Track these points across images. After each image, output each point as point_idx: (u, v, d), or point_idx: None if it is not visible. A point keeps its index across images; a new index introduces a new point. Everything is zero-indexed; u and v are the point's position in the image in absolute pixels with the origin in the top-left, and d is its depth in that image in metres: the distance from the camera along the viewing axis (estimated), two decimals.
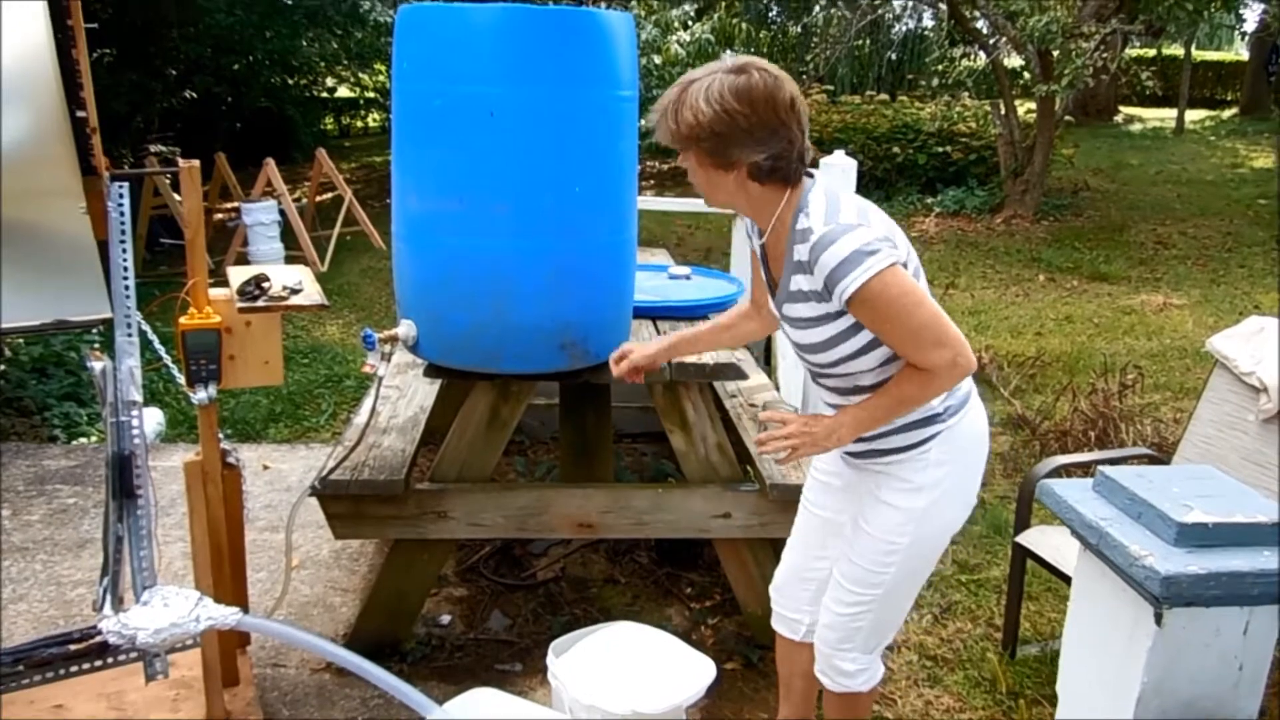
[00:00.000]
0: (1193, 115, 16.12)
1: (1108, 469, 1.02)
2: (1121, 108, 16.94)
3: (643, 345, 2.19)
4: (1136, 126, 15.98)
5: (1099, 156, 12.78)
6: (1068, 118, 11.26)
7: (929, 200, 10.66)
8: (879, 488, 1.87)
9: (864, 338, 1.74)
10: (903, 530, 1.84)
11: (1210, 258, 8.60)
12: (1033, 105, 10.47)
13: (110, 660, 2.33)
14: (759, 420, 1.99)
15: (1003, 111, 10.16)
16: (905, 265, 1.71)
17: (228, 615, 1.76)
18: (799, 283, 1.74)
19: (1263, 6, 14.85)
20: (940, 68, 15.05)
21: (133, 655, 2.33)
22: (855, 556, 1.90)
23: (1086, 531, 0.99)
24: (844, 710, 2.11)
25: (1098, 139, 13.97)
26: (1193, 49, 17.41)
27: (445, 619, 2.95)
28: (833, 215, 1.68)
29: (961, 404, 1.84)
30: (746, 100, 1.63)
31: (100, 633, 1.75)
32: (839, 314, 1.72)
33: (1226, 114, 17.10)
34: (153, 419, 4.32)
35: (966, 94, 12.31)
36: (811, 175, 1.76)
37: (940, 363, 1.67)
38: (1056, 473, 2.68)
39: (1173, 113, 15.79)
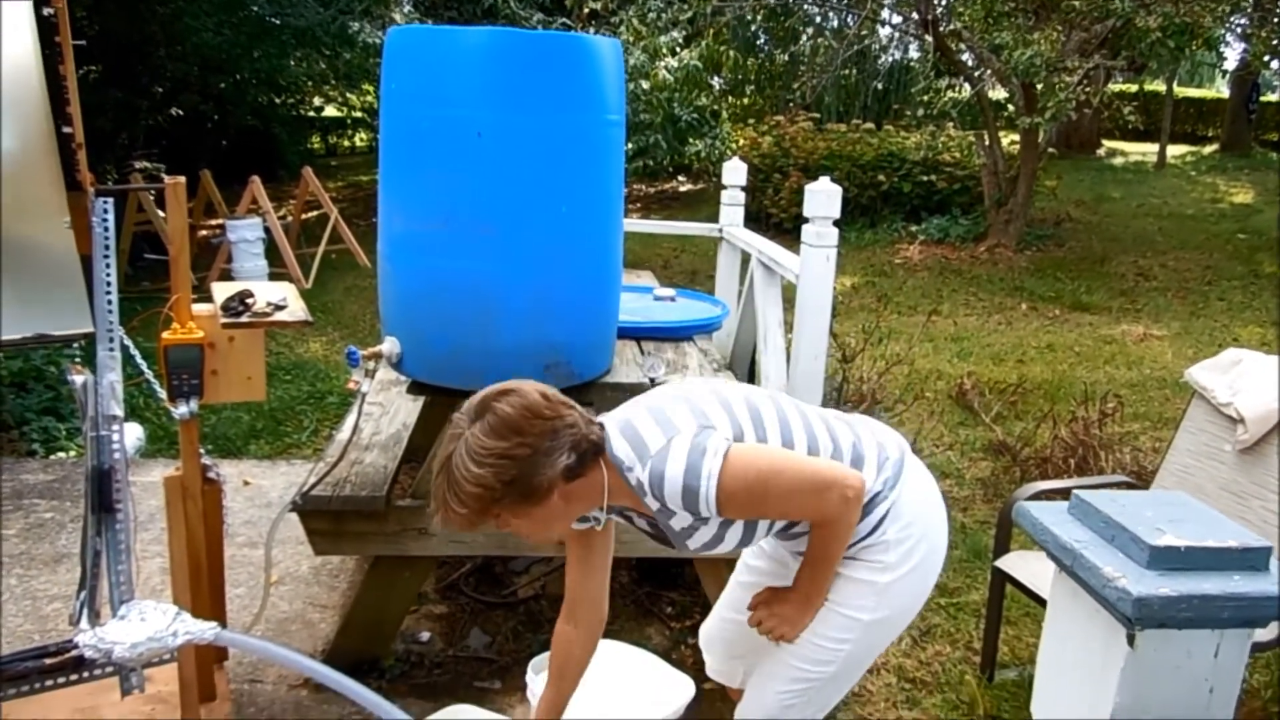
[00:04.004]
0: (1174, 150, 16.34)
1: (1083, 493, 1.04)
2: (1104, 141, 17.16)
3: None
4: (1119, 160, 16.18)
5: (1081, 189, 12.93)
6: (1051, 150, 11.40)
7: (913, 228, 10.75)
8: (844, 568, 1.76)
9: None
10: (869, 605, 1.74)
11: (1190, 290, 8.70)
12: (1017, 137, 10.60)
13: (86, 675, 2.32)
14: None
15: (987, 142, 10.28)
16: (740, 432, 1.64)
17: (205, 630, 1.75)
18: (677, 523, 1.66)
19: (1243, 45, 15.12)
20: (926, 98, 15.20)
21: (109, 670, 2.32)
22: (812, 632, 1.78)
23: (1061, 553, 1.00)
24: None
25: (1080, 171, 14.14)
26: (1174, 85, 17.67)
27: (425, 636, 2.94)
28: (643, 452, 1.59)
29: (897, 475, 1.75)
30: (511, 431, 1.49)
31: (76, 647, 1.74)
32: (728, 519, 1.67)
33: (1207, 150, 17.34)
34: (133, 434, 4.30)
35: (951, 124, 12.44)
36: (601, 425, 1.64)
37: (832, 508, 1.62)
38: (1036, 498, 2.68)
39: (1154, 147, 15.99)
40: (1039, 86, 9.17)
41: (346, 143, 20.13)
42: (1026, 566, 2.69)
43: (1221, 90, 21.55)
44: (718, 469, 1.55)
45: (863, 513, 1.71)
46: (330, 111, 18.45)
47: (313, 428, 4.88)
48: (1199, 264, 9.56)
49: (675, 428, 1.61)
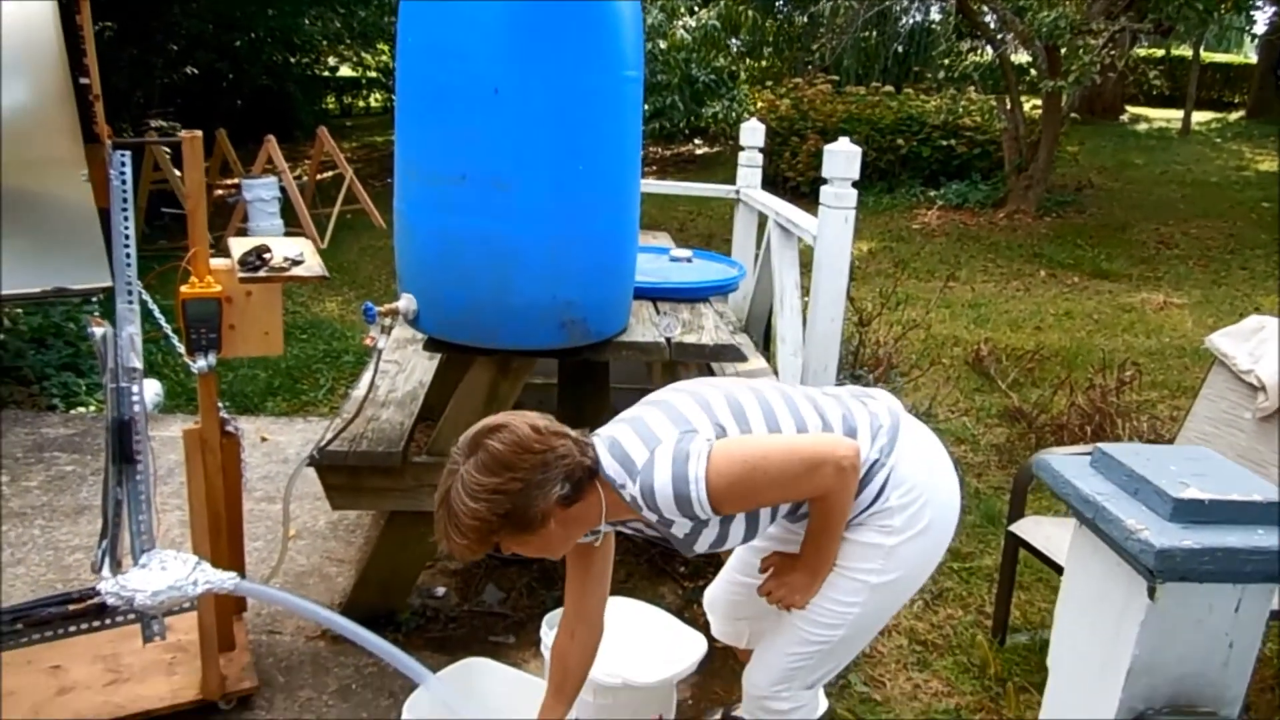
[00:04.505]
0: (1199, 116, 16.09)
1: (1106, 445, 1.03)
2: (1128, 107, 16.90)
3: None
4: (1142, 126, 15.95)
5: (1104, 155, 12.77)
6: (1073, 115, 11.24)
7: (932, 193, 10.65)
8: (852, 532, 1.77)
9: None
10: (876, 568, 1.74)
11: (1212, 259, 8.61)
12: (1038, 101, 10.46)
13: (108, 621, 2.36)
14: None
15: (1008, 106, 10.15)
16: (721, 430, 1.65)
17: (225, 579, 1.78)
18: (679, 530, 1.68)
19: (1273, 9, 14.82)
20: (947, 61, 15.01)
21: (130, 617, 2.36)
22: (821, 595, 1.79)
23: (1082, 506, 0.99)
24: None
25: (1103, 137, 13.96)
26: (1201, 50, 17.34)
27: (440, 591, 2.97)
28: (630, 468, 1.61)
29: (892, 441, 1.75)
30: (503, 467, 1.52)
31: (99, 594, 1.76)
32: (728, 517, 1.68)
33: (1233, 116, 17.07)
34: (151, 389, 4.32)
35: (972, 88, 12.28)
36: (590, 444, 1.65)
37: (827, 481, 1.62)
38: None
39: (1179, 113, 15.76)
40: (1063, 49, 9.03)
41: (361, 103, 20.05)
42: (1040, 531, 2.69)
43: (1249, 55, 21.16)
44: (703, 471, 1.57)
45: (862, 483, 1.71)
46: (345, 71, 18.37)
47: (329, 386, 4.91)
48: (1222, 232, 9.45)
49: (657, 438, 1.62)
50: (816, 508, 1.71)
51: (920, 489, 1.74)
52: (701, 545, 1.73)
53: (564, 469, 1.56)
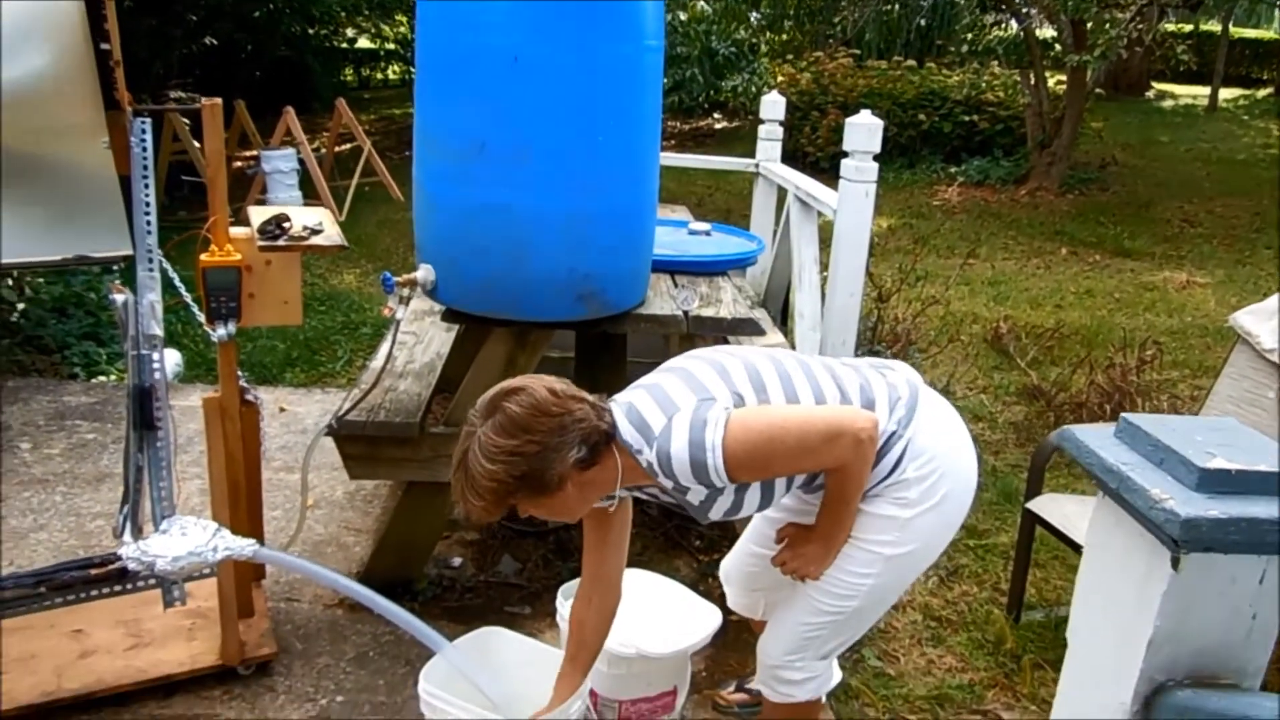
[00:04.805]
0: (1226, 93, 15.83)
1: (1131, 415, 1.02)
2: (1154, 83, 16.66)
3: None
4: (1168, 103, 15.72)
5: (1128, 132, 12.60)
6: (1098, 91, 11.10)
7: (952, 169, 10.55)
8: (867, 504, 1.76)
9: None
10: (891, 540, 1.74)
11: (1237, 237, 8.50)
12: (1063, 77, 10.32)
13: (129, 586, 2.39)
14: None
15: (1032, 81, 10.02)
16: (739, 398, 1.64)
17: (244, 546, 1.80)
18: (694, 497, 1.69)
19: None
20: (970, 35, 14.81)
21: (151, 582, 2.39)
22: (835, 566, 1.78)
23: (1106, 475, 0.98)
24: None
25: (1128, 114, 13.77)
26: (1230, 25, 17.05)
27: (456, 561, 2.99)
28: (648, 434, 1.61)
29: (910, 412, 1.74)
30: (520, 429, 1.53)
31: (120, 559, 1.78)
32: (743, 485, 1.68)
33: (1261, 93, 16.80)
34: (171, 359, 4.35)
35: (996, 62, 12.13)
36: (608, 409, 1.65)
37: (845, 453, 1.62)
38: None
39: (1206, 90, 15.51)
40: (1089, 23, 8.89)
41: (379, 75, 19.99)
42: (1058, 508, 2.68)
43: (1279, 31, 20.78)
44: (720, 439, 1.56)
45: (879, 454, 1.70)
46: (363, 43, 18.31)
47: (347, 357, 4.93)
48: (1247, 211, 9.32)
49: (675, 405, 1.62)
50: (833, 479, 1.71)
51: (937, 461, 1.73)
52: (716, 513, 1.73)
53: (581, 432, 1.56)
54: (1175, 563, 0.93)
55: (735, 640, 2.61)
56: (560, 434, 1.55)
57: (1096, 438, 1.01)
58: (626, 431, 1.63)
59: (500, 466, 1.52)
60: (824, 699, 2.08)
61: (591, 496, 1.67)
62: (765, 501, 1.75)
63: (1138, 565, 0.97)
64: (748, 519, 2.04)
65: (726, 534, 3.09)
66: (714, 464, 1.56)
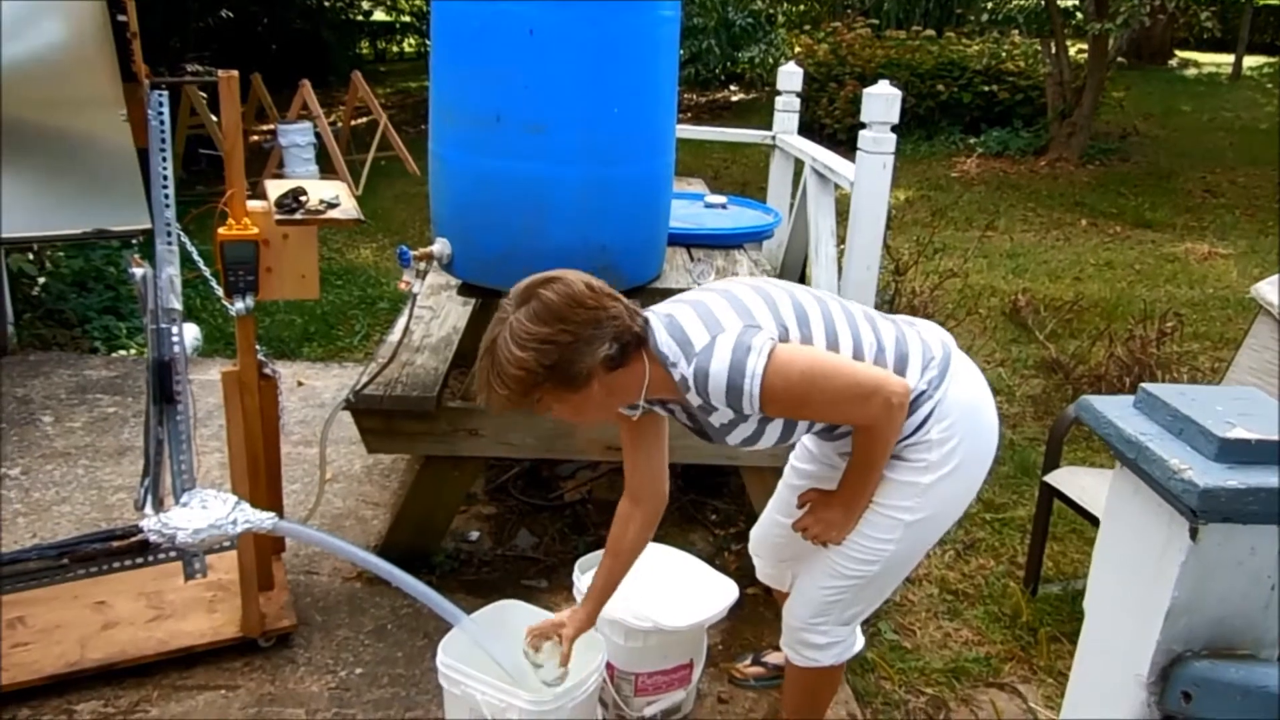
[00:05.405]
0: (1251, 61, 15.55)
1: (1150, 385, 1.01)
2: (1177, 51, 16.38)
3: (572, 619, 1.93)
4: (1191, 71, 15.46)
5: (1150, 101, 12.41)
6: (1120, 59, 10.91)
7: (971, 140, 10.43)
8: (887, 469, 1.76)
9: None
10: (911, 506, 1.74)
11: (1260, 208, 8.38)
12: (1084, 45, 10.16)
13: (151, 558, 2.41)
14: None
15: (1053, 50, 9.87)
16: (785, 330, 1.63)
17: (264, 519, 1.81)
18: (718, 419, 1.68)
19: None
20: (990, 4, 14.59)
21: (172, 555, 2.41)
22: (856, 532, 1.79)
23: (1124, 446, 0.97)
24: (801, 688, 2.00)
25: (1150, 83, 13.55)
26: None
27: (474, 535, 3.01)
28: (688, 348, 1.59)
29: (942, 374, 1.74)
30: (555, 317, 1.51)
31: (141, 531, 1.80)
32: (768, 417, 1.67)
33: None
34: (190, 333, 4.38)
35: (1016, 32, 11.93)
36: (642, 315, 1.64)
37: (876, 413, 1.62)
38: None
39: (1230, 58, 15.24)
40: None
41: (395, 49, 19.91)
42: (1076, 482, 2.67)
43: None
44: (762, 367, 1.55)
45: (908, 411, 1.70)
46: (379, 16, 18.24)
47: (364, 332, 4.94)
48: (1270, 180, 9.18)
49: (720, 325, 1.61)
50: (860, 440, 1.71)
51: (961, 425, 1.74)
52: (734, 439, 1.74)
53: (614, 329, 1.55)
54: (1194, 533, 0.92)
55: (751, 614, 2.63)
56: (594, 326, 1.53)
57: (1115, 408, 1.00)
58: (664, 342, 1.62)
59: (530, 354, 1.51)
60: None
61: (615, 402, 1.66)
62: (784, 438, 1.76)
63: (1156, 536, 0.96)
64: (763, 469, 2.02)
65: (742, 509, 3.10)
66: (750, 390, 1.56)
